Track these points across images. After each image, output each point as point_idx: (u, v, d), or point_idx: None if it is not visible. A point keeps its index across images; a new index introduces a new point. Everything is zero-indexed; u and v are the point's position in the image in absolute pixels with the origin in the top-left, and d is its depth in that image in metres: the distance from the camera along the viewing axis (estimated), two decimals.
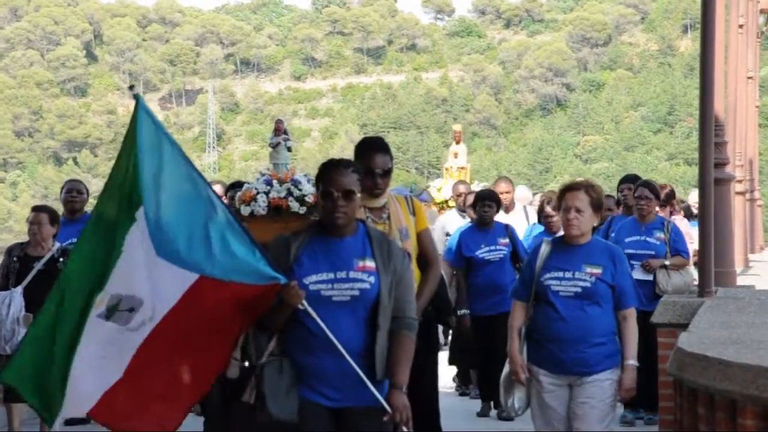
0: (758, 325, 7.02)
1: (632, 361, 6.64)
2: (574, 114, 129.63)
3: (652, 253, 10.08)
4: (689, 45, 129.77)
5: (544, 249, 6.77)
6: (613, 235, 10.15)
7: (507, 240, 10.58)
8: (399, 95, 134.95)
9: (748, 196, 22.06)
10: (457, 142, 24.80)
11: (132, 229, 5.06)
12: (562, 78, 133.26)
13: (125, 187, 5.08)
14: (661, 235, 10.08)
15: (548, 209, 10.95)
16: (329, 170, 5.38)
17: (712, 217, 8.83)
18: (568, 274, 6.63)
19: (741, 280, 12.72)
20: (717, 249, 9.10)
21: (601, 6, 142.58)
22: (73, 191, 10.52)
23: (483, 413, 10.84)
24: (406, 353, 5.31)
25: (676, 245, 10.12)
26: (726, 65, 15.16)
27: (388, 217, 6.85)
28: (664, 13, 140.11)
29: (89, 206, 11.19)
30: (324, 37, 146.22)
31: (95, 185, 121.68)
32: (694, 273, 13.17)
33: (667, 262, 10.03)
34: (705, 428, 5.83)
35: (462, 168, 23.69)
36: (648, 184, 10.34)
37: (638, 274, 9.89)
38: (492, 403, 10.76)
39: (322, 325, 5.15)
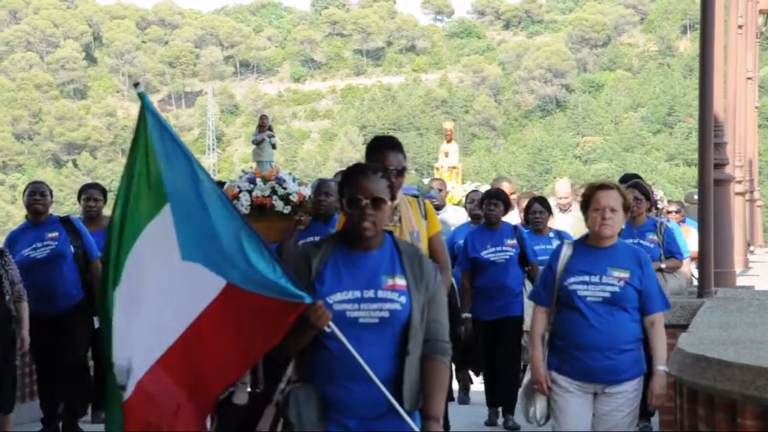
0: (758, 326, 7.02)
1: (662, 367, 6.40)
2: (573, 115, 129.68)
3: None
4: (688, 45, 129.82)
5: (566, 251, 6.48)
6: None
7: (514, 241, 10.25)
8: (398, 96, 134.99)
9: (747, 196, 22.07)
10: (449, 141, 23.75)
11: (152, 223, 4.65)
12: (561, 79, 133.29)
13: (144, 189, 4.69)
14: (654, 237, 9.75)
15: (537, 206, 10.85)
16: (356, 175, 4.79)
17: (711, 218, 8.83)
18: (595, 279, 6.37)
19: (740, 281, 12.72)
20: (717, 249, 9.10)
21: (600, 7, 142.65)
22: (36, 194, 9.85)
23: (491, 422, 10.47)
24: (441, 381, 4.75)
25: (669, 247, 9.79)
26: (725, 66, 15.16)
27: (399, 220, 6.59)
28: (663, 13, 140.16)
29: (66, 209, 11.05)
30: (323, 39, 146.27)
31: (103, 186, 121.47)
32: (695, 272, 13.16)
33: (663, 265, 9.68)
34: (705, 429, 5.82)
35: (453, 167, 22.82)
36: (637, 185, 10.01)
37: None
38: (500, 409, 10.45)
39: (352, 349, 4.60)
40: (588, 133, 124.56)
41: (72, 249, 9.74)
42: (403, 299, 4.71)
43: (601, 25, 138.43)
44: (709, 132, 8.79)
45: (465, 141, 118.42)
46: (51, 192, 10.05)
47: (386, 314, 4.69)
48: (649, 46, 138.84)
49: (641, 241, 9.79)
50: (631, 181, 10.37)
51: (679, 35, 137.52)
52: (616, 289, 6.34)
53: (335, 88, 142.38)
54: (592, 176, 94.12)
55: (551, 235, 10.69)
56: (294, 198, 11.63)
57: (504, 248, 10.26)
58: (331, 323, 4.60)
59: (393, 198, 4.85)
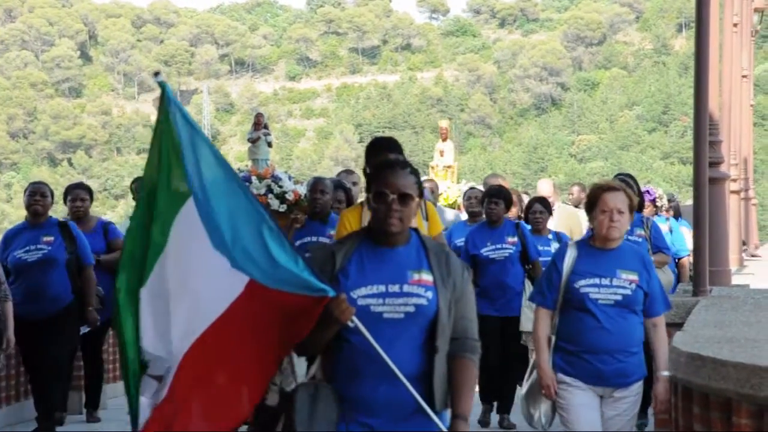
0: (753, 324, 7.02)
1: (666, 372, 6.20)
2: (568, 113, 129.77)
3: None
4: (684, 44, 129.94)
5: (571, 252, 6.37)
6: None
7: (516, 238, 10.11)
8: (394, 95, 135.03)
9: (742, 194, 22.05)
10: (444, 140, 23.38)
11: (178, 217, 4.49)
12: (556, 77, 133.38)
13: (170, 183, 4.52)
14: (641, 232, 9.68)
15: (538, 206, 10.78)
16: (383, 170, 4.68)
17: (707, 216, 8.84)
18: (605, 281, 6.27)
19: (736, 279, 12.71)
20: (712, 247, 9.10)
21: (595, 5, 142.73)
22: (37, 194, 9.73)
23: (484, 420, 10.33)
24: (469, 379, 4.64)
25: (657, 242, 9.76)
26: (720, 64, 15.16)
27: None
28: (658, 12, 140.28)
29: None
30: (319, 37, 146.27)
31: (90, 186, 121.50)
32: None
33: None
34: (700, 427, 5.82)
35: (448, 166, 22.47)
36: (623, 182, 10.03)
37: None
38: (495, 407, 10.36)
39: (376, 345, 4.45)
40: (583, 132, 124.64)
41: (66, 254, 9.65)
42: (429, 294, 4.59)
43: (596, 23, 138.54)
44: (704, 130, 8.79)
45: (460, 139, 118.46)
46: (52, 193, 9.96)
47: (411, 309, 4.57)
48: (645, 45, 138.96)
49: (628, 237, 9.70)
50: (617, 176, 10.24)
51: (675, 33, 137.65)
52: (628, 291, 6.26)
53: (331, 87, 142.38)
54: (588, 175, 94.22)
55: (550, 236, 10.62)
56: (290, 196, 11.57)
57: (504, 246, 10.12)
58: (354, 318, 4.46)
59: (421, 194, 4.73)
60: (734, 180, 19.07)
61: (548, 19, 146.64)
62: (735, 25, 18.77)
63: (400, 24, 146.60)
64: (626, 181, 9.92)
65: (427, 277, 4.61)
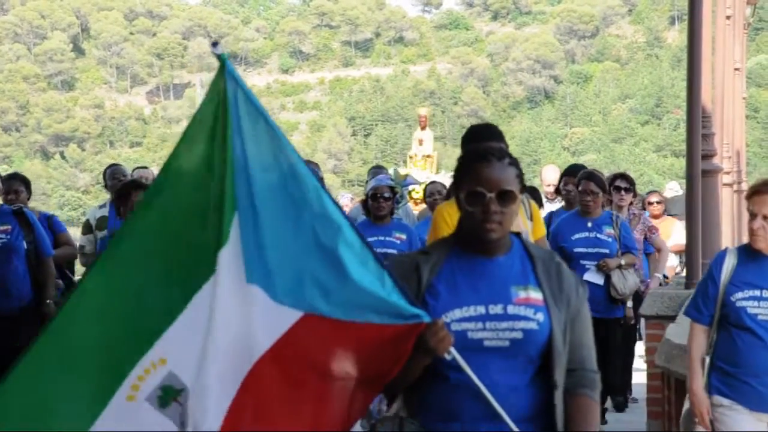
0: None
1: None
2: (561, 106, 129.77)
3: (606, 251, 9.24)
4: (676, 37, 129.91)
5: (730, 260, 5.59)
6: (551, 229, 9.27)
7: None
8: (387, 88, 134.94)
9: (735, 187, 22.04)
10: (423, 128, 22.70)
11: (224, 250, 3.55)
12: (549, 70, 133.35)
13: (210, 187, 3.58)
14: (611, 230, 9.27)
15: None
16: (477, 162, 3.75)
17: (699, 209, 8.85)
18: (766, 294, 5.51)
19: None
20: (704, 240, 9.12)
21: None
22: (16, 182, 9.15)
23: None
24: (592, 422, 3.78)
25: (625, 241, 9.32)
26: (713, 57, 15.17)
27: None
28: (651, 4, 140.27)
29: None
30: (312, 30, 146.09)
31: (82, 180, 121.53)
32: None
33: (622, 261, 9.22)
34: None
35: (428, 156, 21.90)
36: (592, 176, 9.43)
37: (590, 277, 9.09)
38: None
39: (477, 380, 3.66)
40: (576, 125, 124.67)
41: (25, 244, 8.83)
42: (540, 317, 3.74)
43: (589, 16, 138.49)
44: (697, 123, 8.80)
45: (453, 132, 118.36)
46: (27, 183, 9.29)
47: (519, 335, 3.71)
48: (637, 38, 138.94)
49: (598, 235, 9.30)
50: (584, 171, 9.75)
51: (667, 26, 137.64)
52: None
53: (324, 80, 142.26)
54: None
55: None
56: None
57: None
58: (452, 348, 3.66)
59: (523, 189, 3.86)
60: (727, 172, 19.04)
61: (541, 12, 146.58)
62: (728, 17, 18.75)
63: (392, 17, 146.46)
64: (594, 175, 9.51)
65: (535, 294, 3.76)
